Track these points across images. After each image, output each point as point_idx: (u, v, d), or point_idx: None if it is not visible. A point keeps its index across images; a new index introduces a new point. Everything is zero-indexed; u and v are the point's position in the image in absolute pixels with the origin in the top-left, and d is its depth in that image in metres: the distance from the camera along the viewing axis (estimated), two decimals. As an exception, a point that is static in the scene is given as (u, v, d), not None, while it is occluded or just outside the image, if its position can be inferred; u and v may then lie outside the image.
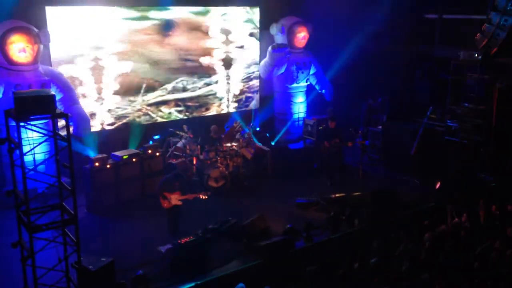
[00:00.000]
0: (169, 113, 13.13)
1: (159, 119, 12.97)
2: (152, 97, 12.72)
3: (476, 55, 11.74)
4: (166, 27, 12.51)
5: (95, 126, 11.85)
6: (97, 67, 11.66)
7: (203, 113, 13.77)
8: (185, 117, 13.37)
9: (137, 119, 12.58)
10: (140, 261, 7.88)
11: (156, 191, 9.19)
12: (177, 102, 13.23)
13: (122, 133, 12.13)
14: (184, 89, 13.28)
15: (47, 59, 10.91)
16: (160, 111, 12.98)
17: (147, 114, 12.76)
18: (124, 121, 12.38)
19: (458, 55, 12.26)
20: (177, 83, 13.09)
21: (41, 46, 10.33)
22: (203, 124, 12.80)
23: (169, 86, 12.97)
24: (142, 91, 12.47)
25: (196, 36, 13.13)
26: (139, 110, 12.59)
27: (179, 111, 13.32)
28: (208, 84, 13.67)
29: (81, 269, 6.41)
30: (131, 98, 12.37)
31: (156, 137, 12.20)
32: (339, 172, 11.70)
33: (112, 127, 12.21)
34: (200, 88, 13.54)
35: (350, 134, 12.40)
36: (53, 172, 6.43)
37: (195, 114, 13.61)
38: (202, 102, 13.71)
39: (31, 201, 6.01)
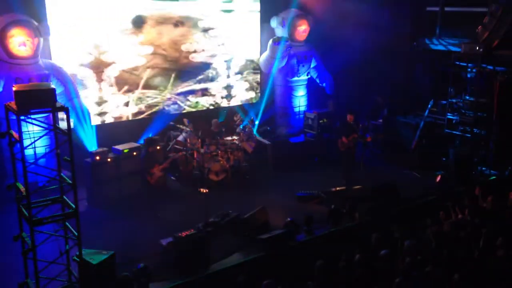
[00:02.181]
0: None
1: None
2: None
3: (477, 48, 11.70)
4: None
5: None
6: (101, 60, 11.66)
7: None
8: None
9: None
10: (141, 254, 7.91)
11: (142, 170, 9.74)
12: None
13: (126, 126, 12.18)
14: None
15: (47, 53, 10.88)
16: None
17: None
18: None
19: (459, 48, 12.23)
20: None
21: (41, 40, 10.31)
22: (204, 118, 12.81)
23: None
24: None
25: (197, 29, 13.10)
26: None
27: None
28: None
29: (82, 262, 6.43)
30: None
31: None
32: (354, 168, 11.19)
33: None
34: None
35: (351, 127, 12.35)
36: (54, 166, 6.44)
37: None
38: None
39: (32, 195, 6.02)
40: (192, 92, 13.33)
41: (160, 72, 12.61)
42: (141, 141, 11.11)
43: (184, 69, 13.08)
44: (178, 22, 12.64)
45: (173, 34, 12.65)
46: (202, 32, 13.18)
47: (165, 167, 10.04)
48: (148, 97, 12.50)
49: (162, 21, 12.40)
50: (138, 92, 12.33)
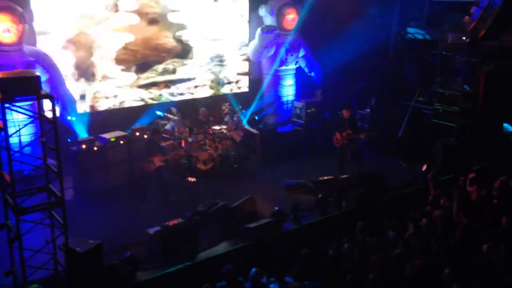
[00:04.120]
0: (160, 95, 13.03)
1: (149, 101, 12.85)
2: (142, 78, 12.58)
3: (464, 38, 11.77)
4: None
5: (85, 108, 11.75)
6: (83, 45, 11.49)
7: (194, 95, 13.66)
8: (175, 99, 13.27)
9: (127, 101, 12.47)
10: (129, 243, 7.90)
11: (142, 153, 9.74)
12: (167, 84, 13.12)
13: (114, 115, 12.03)
14: (174, 71, 13.14)
15: (32, 39, 10.72)
16: (151, 93, 12.85)
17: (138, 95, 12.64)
18: (115, 102, 12.25)
19: (446, 38, 12.28)
20: (167, 64, 12.95)
21: (26, 26, 10.14)
22: (192, 107, 12.74)
23: (159, 67, 12.83)
24: (132, 71, 12.36)
25: (186, 17, 12.97)
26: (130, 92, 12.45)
27: (170, 93, 13.21)
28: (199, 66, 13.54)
29: (68, 251, 6.40)
30: (121, 79, 12.21)
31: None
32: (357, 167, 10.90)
33: (103, 109, 12.08)
34: (191, 69, 13.39)
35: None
36: (39, 154, 6.38)
37: (185, 96, 13.51)
38: (193, 84, 13.59)
39: (17, 183, 5.97)
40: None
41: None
42: (130, 130, 11.01)
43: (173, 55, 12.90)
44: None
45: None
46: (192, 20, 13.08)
47: (167, 159, 9.80)
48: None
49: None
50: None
